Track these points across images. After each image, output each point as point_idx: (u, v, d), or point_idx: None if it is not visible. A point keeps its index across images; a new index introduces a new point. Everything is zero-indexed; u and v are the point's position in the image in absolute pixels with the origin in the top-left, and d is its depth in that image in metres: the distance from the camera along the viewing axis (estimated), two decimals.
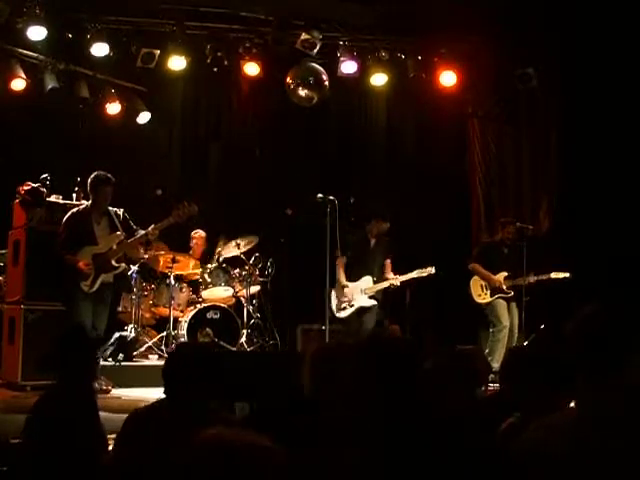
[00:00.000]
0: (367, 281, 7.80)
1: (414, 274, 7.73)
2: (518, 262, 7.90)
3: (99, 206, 6.84)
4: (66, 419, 3.21)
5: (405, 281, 7.81)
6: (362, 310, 7.77)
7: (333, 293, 7.77)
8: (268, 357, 7.48)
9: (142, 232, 6.98)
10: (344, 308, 7.78)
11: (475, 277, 8.14)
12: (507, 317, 7.92)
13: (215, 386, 3.15)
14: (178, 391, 3.05)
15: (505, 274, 7.97)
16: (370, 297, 7.78)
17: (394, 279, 7.74)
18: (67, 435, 3.13)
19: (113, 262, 6.77)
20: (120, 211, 7.01)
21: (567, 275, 7.84)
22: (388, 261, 7.89)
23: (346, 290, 7.76)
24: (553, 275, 7.84)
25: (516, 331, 7.92)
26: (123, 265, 6.86)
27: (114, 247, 6.83)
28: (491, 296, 8.02)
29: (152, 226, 7.04)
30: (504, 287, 7.96)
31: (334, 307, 7.76)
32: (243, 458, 1.40)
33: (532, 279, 7.83)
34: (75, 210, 6.96)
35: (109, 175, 6.84)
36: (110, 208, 6.96)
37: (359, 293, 7.76)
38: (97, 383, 6.62)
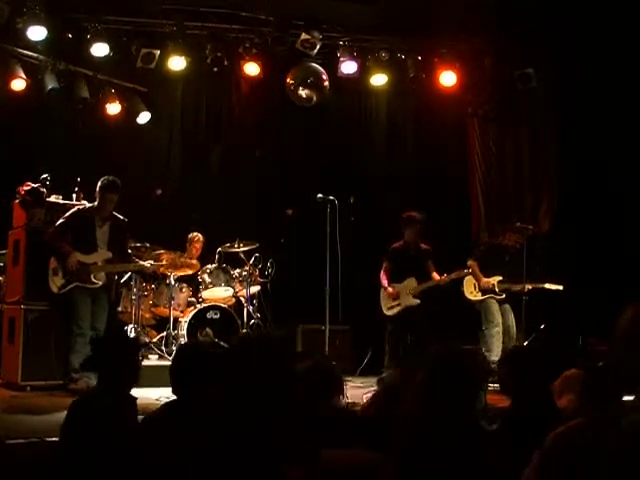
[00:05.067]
0: (411, 282, 8.17)
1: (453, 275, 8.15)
2: (517, 271, 7.85)
3: (102, 210, 6.86)
4: (106, 420, 3.19)
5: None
6: (408, 309, 8.15)
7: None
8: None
9: (141, 263, 7.30)
10: (392, 307, 8.21)
11: (469, 275, 8.17)
12: (499, 315, 7.93)
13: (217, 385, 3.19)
14: (186, 390, 3.08)
15: (499, 278, 7.97)
16: (414, 297, 8.16)
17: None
18: (105, 437, 3.12)
19: (92, 277, 6.77)
20: (125, 221, 7.05)
21: (560, 288, 7.82)
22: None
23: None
24: (547, 285, 7.82)
25: (514, 332, 7.90)
26: (101, 282, 6.85)
27: (99, 263, 6.84)
28: (482, 295, 8.05)
29: (150, 262, 7.40)
30: (496, 289, 7.96)
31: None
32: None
33: (527, 287, 7.80)
34: (81, 207, 7.01)
35: (117, 181, 6.86)
36: (118, 215, 6.98)
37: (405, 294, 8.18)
38: None
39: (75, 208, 7.04)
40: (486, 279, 7.98)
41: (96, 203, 6.87)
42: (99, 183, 6.84)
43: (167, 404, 3.19)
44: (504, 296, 7.96)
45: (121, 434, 3.05)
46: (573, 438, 2.46)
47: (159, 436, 2.94)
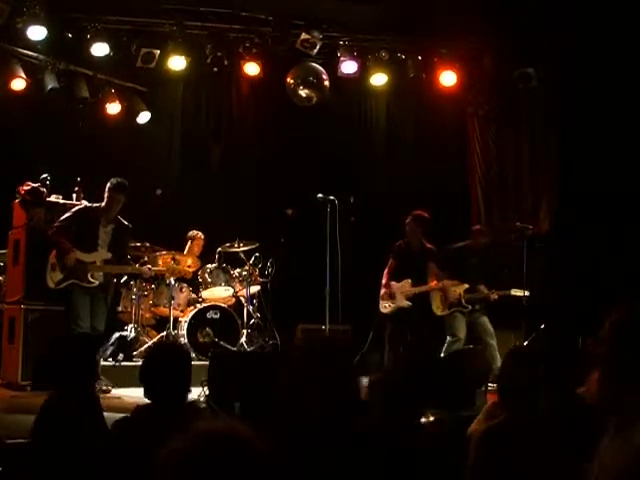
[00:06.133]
0: (406, 283, 7.96)
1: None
2: (484, 273, 7.76)
3: (109, 210, 6.88)
4: (72, 420, 3.21)
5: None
6: (401, 309, 7.96)
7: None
8: (268, 357, 7.49)
9: (139, 267, 7.39)
10: (386, 306, 8.04)
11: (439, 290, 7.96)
12: (463, 330, 7.71)
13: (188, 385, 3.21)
14: (159, 392, 3.09)
15: (466, 286, 7.76)
16: (407, 299, 7.95)
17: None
18: (74, 436, 3.14)
19: (89, 276, 6.77)
20: (129, 226, 7.07)
21: (526, 293, 7.64)
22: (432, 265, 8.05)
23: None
24: (513, 292, 7.68)
25: (493, 341, 7.65)
26: (97, 282, 6.84)
27: (98, 263, 6.84)
28: (448, 309, 7.83)
29: (148, 266, 7.45)
30: (462, 301, 7.77)
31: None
32: (226, 449, 1.49)
33: (494, 296, 7.68)
34: (89, 205, 7.02)
35: (125, 183, 6.88)
36: (122, 220, 6.99)
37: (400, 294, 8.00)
38: (97, 383, 6.64)
39: (82, 205, 7.09)
40: (453, 288, 7.77)
41: (103, 204, 6.89)
42: (108, 184, 6.86)
43: (140, 409, 3.19)
44: (470, 308, 7.77)
45: (89, 432, 3.06)
46: (495, 436, 2.49)
47: (134, 439, 2.94)
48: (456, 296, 7.79)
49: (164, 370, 3.13)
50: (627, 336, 2.11)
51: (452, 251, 8.05)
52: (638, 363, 2.07)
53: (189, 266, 8.36)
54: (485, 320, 7.81)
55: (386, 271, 8.10)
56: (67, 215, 6.86)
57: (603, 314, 2.21)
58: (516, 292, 7.70)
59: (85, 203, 7.24)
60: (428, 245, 8.06)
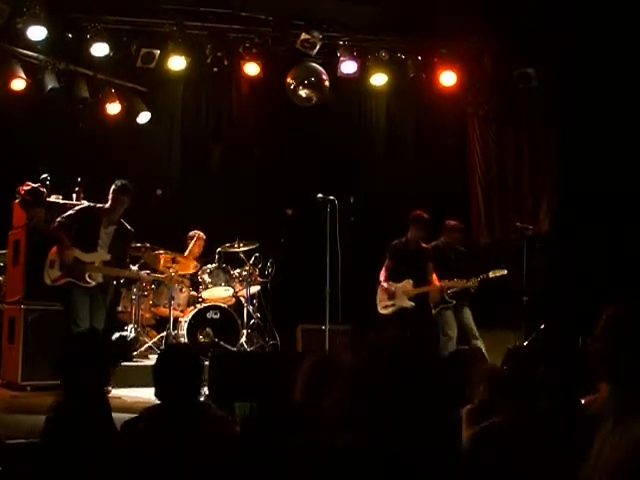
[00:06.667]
0: (407, 283, 7.87)
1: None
2: (466, 267, 7.78)
3: (113, 212, 6.87)
4: (82, 420, 3.21)
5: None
6: (403, 310, 7.87)
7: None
8: (268, 357, 7.49)
9: (136, 271, 7.45)
10: (386, 306, 7.92)
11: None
12: (454, 326, 7.74)
13: (200, 385, 3.22)
14: (170, 392, 3.09)
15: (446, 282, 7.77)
16: (409, 299, 7.87)
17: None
18: (84, 435, 3.14)
19: (87, 276, 6.76)
20: (131, 230, 7.07)
21: (505, 272, 7.70)
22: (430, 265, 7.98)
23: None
24: (491, 274, 7.69)
25: (478, 341, 7.67)
26: (94, 283, 6.82)
27: (96, 263, 6.84)
28: (434, 308, 7.86)
29: (146, 272, 7.50)
30: (446, 297, 7.78)
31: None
32: None
33: (474, 283, 7.67)
34: (92, 205, 7.01)
35: (130, 185, 6.87)
36: (125, 223, 7.00)
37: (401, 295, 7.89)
38: None
39: (85, 204, 7.08)
40: (436, 287, 7.76)
41: (107, 205, 6.87)
42: (112, 186, 6.85)
43: (151, 409, 3.19)
44: (454, 302, 7.80)
45: (97, 434, 3.07)
46: (490, 437, 2.49)
47: (145, 440, 2.94)
48: (439, 295, 7.82)
49: (177, 372, 3.14)
50: (622, 332, 2.12)
51: (432, 251, 8.05)
52: (635, 358, 2.07)
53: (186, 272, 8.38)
54: (468, 314, 7.83)
55: (383, 271, 8.06)
56: (70, 213, 6.85)
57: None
58: (495, 273, 7.71)
59: (86, 203, 7.24)
60: (424, 245, 8.06)
